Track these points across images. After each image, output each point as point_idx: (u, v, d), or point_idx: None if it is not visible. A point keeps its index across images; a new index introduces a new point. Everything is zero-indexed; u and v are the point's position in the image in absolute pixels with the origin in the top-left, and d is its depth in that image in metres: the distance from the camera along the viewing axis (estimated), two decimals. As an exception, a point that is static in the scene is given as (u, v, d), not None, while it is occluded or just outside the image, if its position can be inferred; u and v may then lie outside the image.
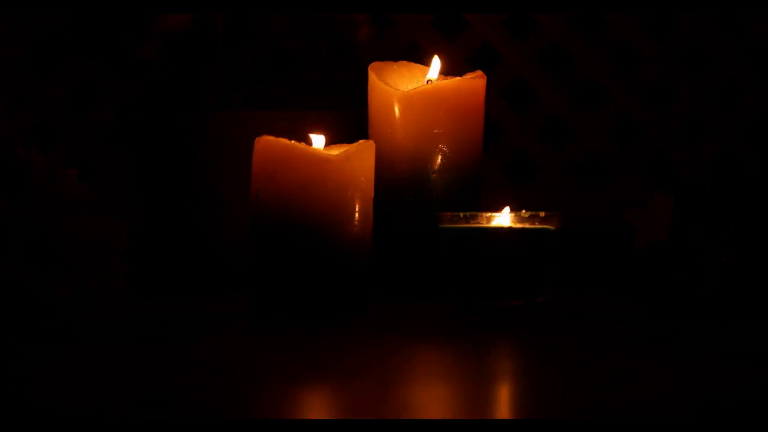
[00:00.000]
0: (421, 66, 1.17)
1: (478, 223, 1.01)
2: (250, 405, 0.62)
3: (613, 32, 1.56)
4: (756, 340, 0.88)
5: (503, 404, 0.64)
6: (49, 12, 1.47)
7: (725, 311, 1.06)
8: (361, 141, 1.02)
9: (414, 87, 1.14)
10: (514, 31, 1.56)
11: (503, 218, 1.00)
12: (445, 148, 1.12)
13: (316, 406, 0.62)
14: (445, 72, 1.16)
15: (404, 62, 1.17)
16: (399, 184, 1.12)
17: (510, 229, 1.00)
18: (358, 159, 1.01)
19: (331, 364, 0.78)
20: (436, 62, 1.14)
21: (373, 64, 1.15)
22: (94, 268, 1.13)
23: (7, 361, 0.79)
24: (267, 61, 1.38)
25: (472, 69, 1.14)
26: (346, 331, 0.94)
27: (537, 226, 1.00)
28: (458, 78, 1.13)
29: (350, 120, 1.36)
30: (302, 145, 1.00)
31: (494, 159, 1.55)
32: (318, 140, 1.03)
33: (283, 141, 0.99)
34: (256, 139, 1.01)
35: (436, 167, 1.12)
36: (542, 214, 1.00)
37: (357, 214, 1.00)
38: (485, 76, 1.14)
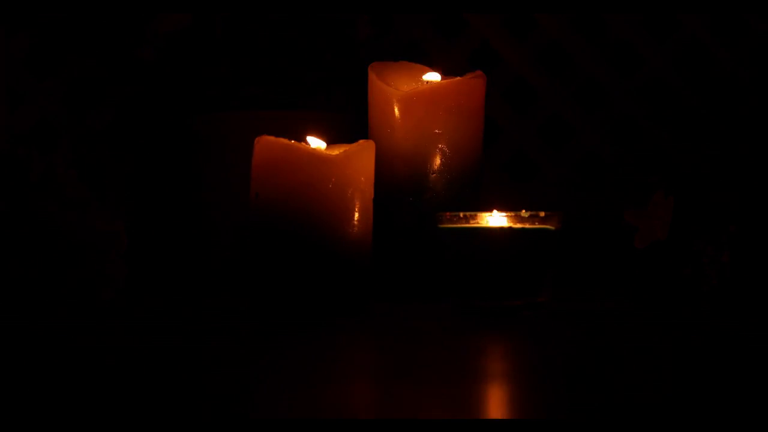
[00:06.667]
0: (421, 66, 1.17)
1: (477, 223, 1.01)
2: (250, 405, 0.62)
3: (613, 32, 1.56)
4: (756, 340, 0.88)
5: (503, 404, 0.64)
6: (49, 12, 1.47)
7: (725, 311, 1.06)
8: (361, 141, 1.02)
9: (414, 87, 1.14)
10: (514, 31, 1.56)
11: (496, 219, 1.00)
12: (445, 148, 1.12)
13: (316, 406, 0.62)
14: (445, 72, 1.16)
15: (404, 62, 1.17)
16: (399, 184, 1.12)
17: (510, 229, 1.00)
18: (358, 159, 1.01)
19: (331, 363, 0.78)
20: (433, 75, 1.15)
21: (373, 64, 1.15)
22: (94, 268, 1.13)
23: (6, 361, 0.79)
24: (267, 61, 1.38)
25: (472, 69, 1.14)
26: (346, 331, 0.94)
27: (537, 226, 1.00)
28: (458, 78, 1.13)
29: (350, 120, 1.36)
30: (302, 145, 1.00)
31: (494, 159, 1.55)
32: (315, 143, 1.03)
33: (283, 141, 0.99)
34: (256, 139, 1.01)
35: (436, 167, 1.12)
36: (542, 214, 1.00)
37: (357, 214, 1.00)
38: (485, 76, 1.14)
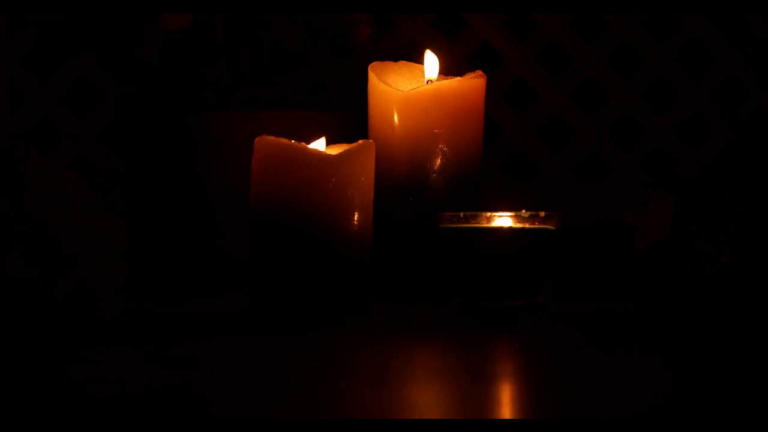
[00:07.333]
0: (421, 66, 1.17)
1: (478, 223, 1.01)
2: (249, 405, 0.62)
3: (613, 32, 1.56)
4: (756, 340, 0.88)
5: (503, 404, 0.64)
6: (49, 12, 1.47)
7: (725, 311, 1.06)
8: (361, 141, 1.02)
9: (414, 87, 1.14)
10: (514, 31, 1.55)
11: (496, 219, 1.00)
12: (445, 148, 1.12)
13: (316, 406, 0.62)
14: (445, 72, 1.16)
15: (404, 62, 1.17)
16: (399, 184, 1.12)
17: (510, 229, 1.00)
18: (358, 159, 1.01)
19: (331, 363, 0.78)
20: (430, 58, 1.14)
21: (373, 64, 1.15)
22: (94, 268, 1.13)
23: (7, 362, 0.79)
24: (267, 61, 1.38)
25: (472, 69, 1.14)
26: (346, 331, 0.94)
27: (537, 226, 1.00)
28: (458, 78, 1.13)
29: (350, 120, 1.36)
30: (302, 145, 1.00)
31: (494, 159, 1.55)
32: (318, 144, 1.03)
33: (283, 141, 0.99)
34: (256, 139, 1.01)
35: (436, 167, 1.12)
36: (542, 214, 1.00)
37: (357, 214, 1.00)
38: (485, 76, 1.14)
